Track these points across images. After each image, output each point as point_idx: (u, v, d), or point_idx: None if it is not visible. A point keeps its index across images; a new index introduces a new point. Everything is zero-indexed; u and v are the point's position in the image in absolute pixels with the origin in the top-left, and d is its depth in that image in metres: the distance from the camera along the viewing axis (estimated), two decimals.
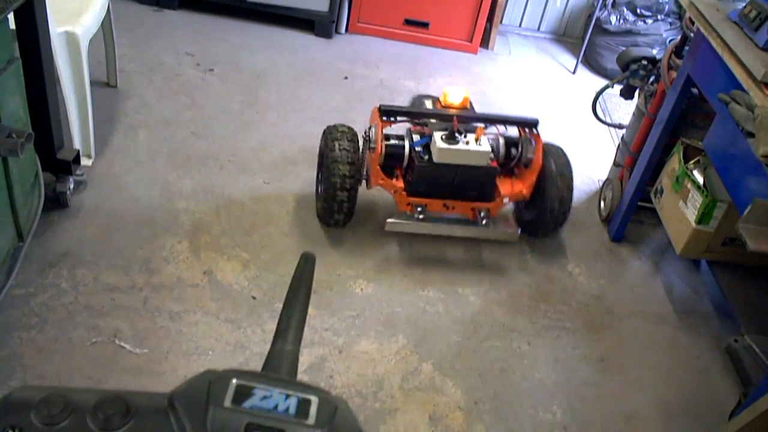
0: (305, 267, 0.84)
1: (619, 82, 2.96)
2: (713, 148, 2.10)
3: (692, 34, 2.47)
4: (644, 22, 4.27)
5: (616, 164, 3.10)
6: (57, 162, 2.38)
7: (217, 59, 3.71)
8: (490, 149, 2.44)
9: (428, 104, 2.66)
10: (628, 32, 4.27)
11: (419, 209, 2.47)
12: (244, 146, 3.04)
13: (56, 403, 0.50)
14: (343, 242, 2.60)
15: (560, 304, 2.52)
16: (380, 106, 2.51)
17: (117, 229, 2.44)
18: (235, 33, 4.06)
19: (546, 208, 2.54)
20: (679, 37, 2.71)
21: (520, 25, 4.96)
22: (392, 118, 2.52)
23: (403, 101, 3.68)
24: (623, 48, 3.59)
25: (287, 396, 0.53)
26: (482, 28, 4.34)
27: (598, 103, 3.15)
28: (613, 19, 4.32)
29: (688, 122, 2.64)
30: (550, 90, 4.21)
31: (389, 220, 2.44)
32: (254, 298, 2.29)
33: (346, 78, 3.81)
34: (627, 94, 2.97)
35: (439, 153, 2.40)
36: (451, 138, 2.41)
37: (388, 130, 2.52)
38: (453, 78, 4.07)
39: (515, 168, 2.63)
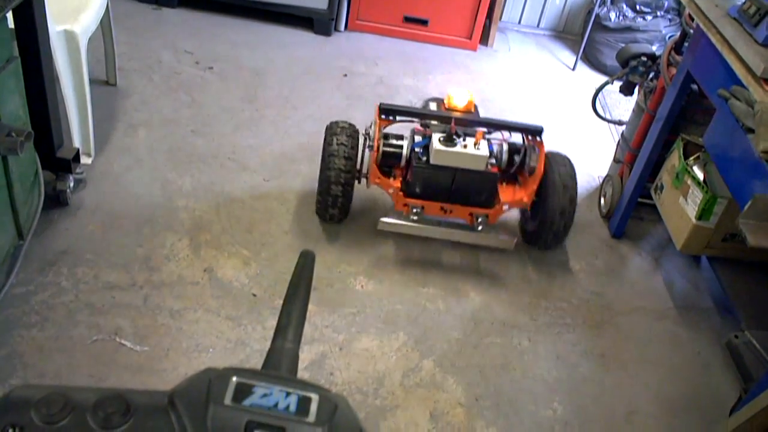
0: (305, 264, 0.84)
1: (618, 79, 2.95)
2: (713, 144, 2.10)
3: (692, 31, 2.47)
4: (644, 18, 4.27)
5: (616, 161, 3.10)
6: (57, 160, 2.38)
7: (216, 57, 3.70)
8: (488, 154, 2.40)
9: (433, 106, 2.62)
10: (628, 29, 4.26)
11: (415, 210, 2.45)
12: (244, 144, 3.03)
13: (56, 402, 0.50)
14: (344, 240, 2.60)
15: (560, 301, 2.52)
16: (380, 104, 2.51)
17: (117, 227, 2.44)
18: (235, 31, 4.06)
19: (546, 220, 2.49)
20: (678, 34, 2.71)
21: (519, 22, 4.95)
22: (391, 117, 2.51)
23: (402, 98, 3.68)
24: (623, 44, 3.58)
25: (287, 394, 0.53)
26: (481, 25, 4.34)
27: (597, 99, 3.14)
28: (613, 15, 4.31)
29: (687, 118, 2.64)
30: (549, 87, 4.21)
31: (382, 219, 2.43)
32: (254, 295, 2.29)
33: (345, 75, 3.81)
34: (627, 90, 2.97)
35: (436, 155, 2.38)
36: (449, 140, 2.39)
37: (389, 130, 2.52)
38: (452, 75, 4.07)
39: (519, 175, 2.59)
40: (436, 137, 2.41)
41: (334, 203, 2.44)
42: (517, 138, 2.59)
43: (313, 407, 0.53)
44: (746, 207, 1.71)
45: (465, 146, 2.39)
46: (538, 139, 2.52)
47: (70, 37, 2.40)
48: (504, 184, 2.58)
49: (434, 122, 2.50)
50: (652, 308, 2.58)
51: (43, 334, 2.01)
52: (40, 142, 2.21)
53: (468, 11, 4.30)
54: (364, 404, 2.01)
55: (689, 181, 2.37)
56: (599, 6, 4.32)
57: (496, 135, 2.58)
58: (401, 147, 2.47)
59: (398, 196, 2.47)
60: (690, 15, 2.44)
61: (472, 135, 2.43)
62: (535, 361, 2.27)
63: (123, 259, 2.32)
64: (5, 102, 1.82)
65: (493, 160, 2.48)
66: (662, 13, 4.27)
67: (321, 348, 2.15)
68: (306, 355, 2.12)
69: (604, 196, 3.02)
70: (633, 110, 3.01)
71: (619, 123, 3.31)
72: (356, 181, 2.52)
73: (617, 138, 3.23)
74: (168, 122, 3.08)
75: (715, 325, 2.55)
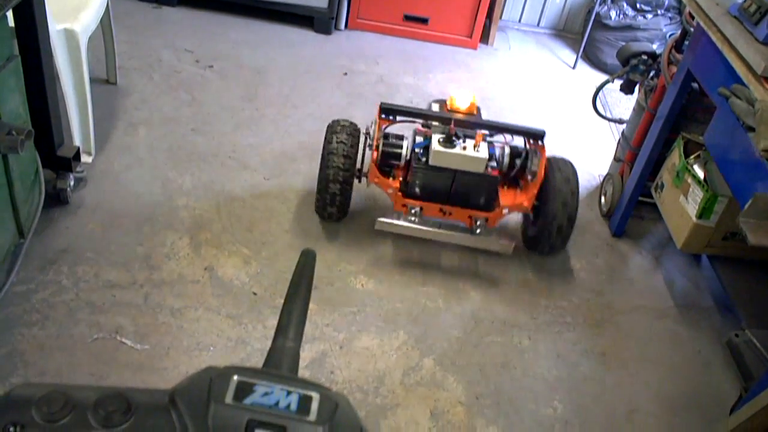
0: (306, 263, 0.84)
1: (619, 77, 2.95)
2: (714, 142, 2.10)
3: (692, 29, 2.46)
4: (644, 17, 4.27)
5: (616, 159, 3.10)
6: (57, 159, 2.38)
7: (216, 56, 3.70)
8: (487, 156, 2.37)
9: (436, 108, 2.60)
10: (628, 27, 4.26)
11: (413, 211, 2.44)
12: (244, 142, 3.03)
13: (57, 400, 0.50)
14: (344, 238, 2.60)
15: (561, 299, 2.52)
16: (381, 104, 2.50)
17: (117, 226, 2.45)
18: (235, 29, 4.05)
19: (547, 225, 2.45)
20: (679, 32, 2.71)
21: (519, 21, 4.95)
22: (392, 117, 2.50)
23: (403, 97, 3.68)
24: (623, 43, 3.59)
25: (288, 392, 0.53)
26: (482, 24, 4.34)
27: (598, 98, 3.14)
28: (613, 14, 4.31)
29: (688, 117, 2.64)
30: (550, 85, 4.20)
31: (380, 219, 2.40)
32: (255, 294, 2.29)
33: (345, 74, 3.81)
34: (627, 89, 2.97)
35: (435, 156, 2.37)
36: (448, 141, 2.37)
37: (391, 130, 2.52)
38: (453, 74, 4.07)
39: (520, 180, 2.56)
40: (435, 138, 2.40)
41: (332, 201, 2.44)
42: (519, 141, 2.57)
43: (314, 406, 0.53)
44: (747, 206, 1.71)
45: (464, 148, 2.37)
46: (539, 143, 2.49)
47: (70, 35, 2.40)
48: (505, 187, 2.55)
49: (435, 123, 2.49)
50: (652, 307, 2.58)
51: (44, 332, 2.01)
52: (40, 141, 2.21)
53: (468, 10, 4.30)
54: (364, 403, 2.01)
55: (690, 180, 2.37)
56: (599, 4, 4.32)
57: (499, 138, 2.56)
58: (401, 147, 2.46)
59: (397, 196, 2.46)
60: (690, 13, 2.44)
61: (473, 137, 2.42)
62: (536, 359, 2.27)
63: (123, 258, 2.32)
64: (6, 100, 1.82)
65: (494, 163, 2.45)
66: (663, 11, 4.27)
67: (322, 346, 2.16)
68: (307, 353, 2.12)
69: (605, 195, 3.02)
70: (633, 109, 3.01)
71: (620, 121, 3.31)
72: (357, 180, 2.51)
73: (618, 137, 3.23)
74: (168, 121, 3.08)
75: (716, 324, 2.55)
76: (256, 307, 2.24)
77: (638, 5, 4.30)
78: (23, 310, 2.06)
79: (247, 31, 4.06)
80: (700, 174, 2.35)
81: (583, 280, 2.64)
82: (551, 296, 2.53)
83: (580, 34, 4.65)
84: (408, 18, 4.34)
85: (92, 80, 2.73)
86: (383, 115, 2.50)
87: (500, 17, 4.61)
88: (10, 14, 1.88)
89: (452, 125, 2.41)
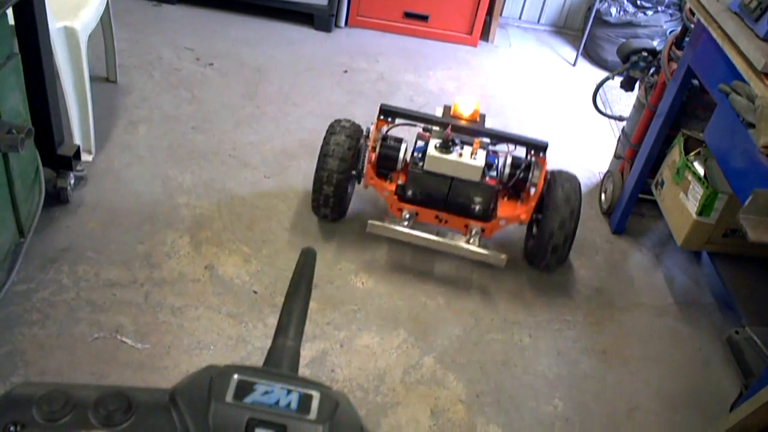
0: (306, 262, 0.84)
1: (619, 74, 2.95)
2: (714, 139, 2.10)
3: (692, 25, 2.46)
4: (644, 13, 4.26)
5: (616, 156, 3.10)
6: (57, 158, 2.38)
7: (216, 53, 3.70)
8: (483, 165, 2.32)
9: (439, 112, 2.54)
10: (629, 24, 4.25)
11: (407, 216, 2.40)
12: (245, 140, 3.03)
13: (57, 399, 0.50)
14: (345, 237, 2.60)
15: (561, 297, 2.52)
16: (381, 105, 2.48)
17: (118, 225, 2.45)
18: (235, 27, 4.05)
19: (544, 239, 2.37)
20: (679, 29, 2.71)
21: (520, 18, 4.94)
22: (390, 119, 2.47)
23: (403, 95, 3.68)
24: (623, 40, 3.58)
25: (289, 391, 0.53)
26: (482, 21, 4.33)
27: (598, 95, 3.14)
28: (613, 10, 4.30)
29: (688, 114, 2.64)
30: (550, 82, 4.20)
31: (371, 221, 2.36)
32: (255, 292, 2.29)
33: (345, 72, 3.81)
34: (627, 85, 2.96)
35: (430, 161, 2.34)
36: (445, 147, 2.34)
37: (393, 132, 2.50)
38: (453, 71, 4.07)
39: (522, 191, 2.51)
40: (432, 143, 2.37)
41: (326, 203, 2.43)
42: (523, 151, 2.50)
43: (315, 405, 0.53)
44: (747, 202, 1.71)
45: (461, 155, 2.34)
46: (541, 154, 2.43)
47: (70, 33, 2.40)
48: (506, 198, 2.51)
49: (436, 128, 2.45)
50: (652, 304, 2.58)
51: (45, 331, 2.01)
52: (40, 140, 2.21)
53: (468, 7, 4.29)
54: (365, 401, 2.01)
55: (690, 177, 2.37)
56: (600, 1, 4.31)
57: (502, 147, 2.49)
58: (399, 150, 2.44)
59: (393, 199, 2.43)
60: (691, 10, 2.44)
61: (472, 144, 2.38)
62: (536, 357, 2.27)
63: (124, 257, 2.32)
64: (6, 99, 1.82)
65: (494, 173, 2.41)
66: (663, 8, 4.27)
67: (322, 345, 2.16)
68: (307, 352, 2.12)
69: (605, 192, 3.02)
70: (634, 106, 3.01)
71: (620, 119, 3.31)
72: (357, 182, 2.50)
73: (618, 134, 3.23)
74: (168, 119, 3.08)
75: (716, 321, 2.55)
76: (257, 305, 2.25)
77: (638, 2, 4.29)
78: (24, 309, 2.06)
79: (247, 29, 4.05)
80: (701, 171, 2.34)
81: (584, 277, 2.64)
82: (551, 294, 2.53)
83: (581, 31, 4.65)
84: (408, 15, 4.34)
85: (92, 78, 2.73)
86: (382, 117, 2.47)
87: (500, 14, 4.61)
88: (10, 12, 1.88)
89: (448, 130, 2.37)
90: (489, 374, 2.17)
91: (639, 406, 2.18)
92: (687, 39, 2.59)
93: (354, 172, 2.47)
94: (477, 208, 2.39)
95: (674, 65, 2.58)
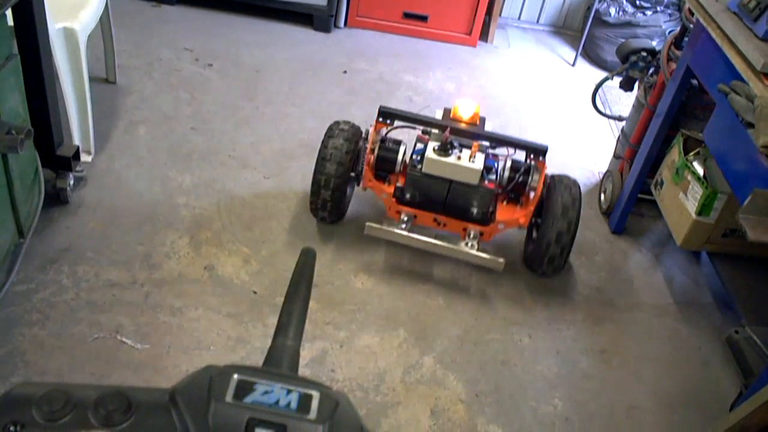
0: (306, 262, 0.84)
1: (618, 74, 2.95)
2: (713, 139, 2.10)
3: (691, 25, 2.46)
4: (643, 13, 4.26)
5: (616, 156, 3.10)
6: (57, 158, 2.38)
7: (216, 54, 3.70)
8: (481, 168, 2.30)
9: (439, 115, 2.52)
10: (628, 24, 4.26)
11: (405, 218, 2.39)
12: (244, 141, 3.03)
13: (57, 399, 0.50)
14: (345, 237, 2.60)
15: (561, 297, 2.52)
16: (380, 107, 2.47)
17: (117, 225, 2.45)
18: (234, 28, 4.05)
19: (543, 244, 2.35)
20: (678, 29, 2.71)
21: (519, 18, 4.95)
22: (389, 121, 2.46)
23: (402, 95, 3.68)
24: (622, 40, 3.58)
25: (288, 391, 0.53)
26: (481, 21, 4.33)
27: (597, 95, 3.14)
28: (613, 11, 4.30)
29: (687, 114, 2.64)
30: (549, 83, 4.20)
31: (369, 223, 2.35)
32: (255, 292, 2.29)
33: (345, 72, 3.81)
34: (626, 86, 2.97)
35: (428, 163, 2.32)
36: (443, 150, 2.33)
37: (393, 134, 2.49)
38: (453, 72, 4.07)
39: (522, 195, 2.49)
40: (431, 146, 2.35)
41: (324, 206, 2.43)
42: (524, 155, 2.48)
43: (314, 404, 0.53)
44: (746, 202, 1.71)
45: (459, 158, 2.32)
46: (540, 159, 2.41)
47: (69, 34, 2.40)
48: (505, 202, 2.49)
49: (435, 131, 2.43)
50: (652, 304, 2.58)
51: (45, 331, 2.01)
52: (40, 140, 2.21)
53: (467, 7, 4.29)
54: (365, 401, 2.01)
55: (689, 177, 2.37)
56: (599, 1, 4.31)
57: (503, 150, 2.47)
58: (397, 152, 2.43)
59: (391, 202, 2.43)
60: (690, 10, 2.44)
61: (470, 147, 2.37)
62: (536, 357, 2.27)
63: (124, 257, 2.32)
64: (5, 99, 1.82)
65: (493, 176, 2.39)
66: (662, 8, 4.27)
67: (322, 345, 2.16)
68: (307, 352, 2.12)
69: (604, 192, 3.02)
70: (633, 106, 3.01)
71: (619, 119, 3.30)
72: (356, 183, 2.49)
73: (617, 134, 3.23)
74: (168, 119, 3.08)
75: (716, 321, 2.55)
76: (256, 305, 2.25)
77: (638, 2, 4.30)
78: (24, 309, 2.06)
79: (247, 30, 4.05)
80: (700, 171, 2.35)
81: (583, 277, 2.64)
82: (551, 294, 2.53)
83: (580, 31, 4.65)
84: (407, 16, 4.34)
85: (92, 79, 2.73)
86: (381, 119, 2.46)
87: (500, 14, 4.61)
88: (9, 13, 1.88)
89: (446, 133, 2.36)
90: (489, 374, 2.17)
91: (638, 406, 2.18)
92: (686, 39, 2.59)
93: (353, 174, 2.47)
94: (475, 211, 2.38)
95: (673, 65, 2.58)
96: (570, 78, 4.32)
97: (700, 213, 2.31)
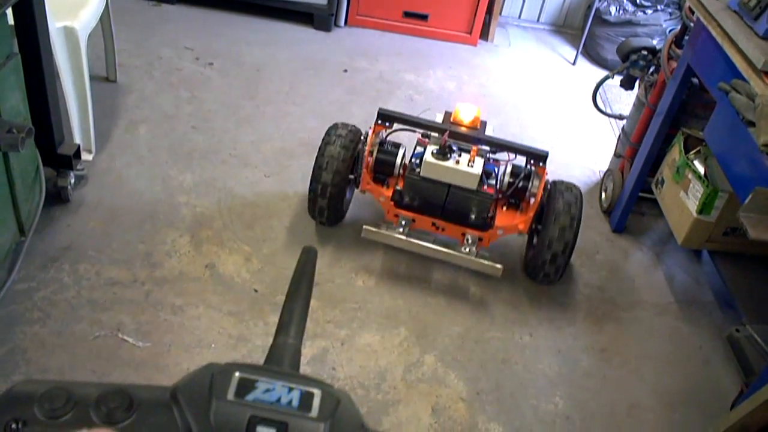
0: (307, 260, 0.84)
1: (619, 73, 2.95)
2: (714, 137, 2.10)
3: (692, 24, 2.46)
4: (644, 12, 4.26)
5: (616, 155, 3.10)
6: (58, 157, 2.38)
7: (216, 53, 3.70)
8: (480, 172, 2.28)
9: (439, 118, 2.50)
10: (628, 23, 4.25)
11: (403, 222, 2.38)
12: (245, 140, 3.03)
13: (59, 397, 0.50)
14: (345, 236, 2.60)
15: (561, 296, 2.52)
16: (379, 109, 2.45)
17: (118, 224, 2.45)
18: (234, 27, 4.05)
19: (542, 250, 2.31)
20: (679, 27, 2.70)
21: (519, 17, 4.94)
22: (387, 124, 2.45)
23: (403, 94, 3.68)
24: (623, 38, 3.58)
25: (290, 389, 0.53)
26: (481, 20, 4.33)
27: (598, 94, 3.14)
28: (613, 9, 4.30)
29: (688, 112, 2.64)
30: (550, 82, 4.20)
31: (366, 226, 2.33)
32: (256, 291, 2.30)
33: (345, 71, 3.81)
34: (627, 84, 2.97)
35: (426, 167, 2.30)
36: (441, 154, 2.31)
37: (392, 137, 2.48)
38: (453, 71, 4.06)
39: (522, 201, 2.46)
40: (429, 149, 2.33)
41: (321, 213, 2.42)
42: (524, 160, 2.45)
43: (316, 402, 0.53)
44: (747, 200, 1.71)
45: (458, 162, 2.30)
46: (541, 164, 2.38)
47: (69, 33, 2.40)
48: (505, 208, 2.47)
49: (435, 134, 2.41)
50: (653, 303, 2.58)
51: (46, 330, 2.02)
52: (40, 139, 2.21)
53: (468, 6, 4.29)
54: (366, 399, 2.01)
55: (690, 175, 2.37)
56: (599, 0, 4.31)
57: (503, 155, 2.45)
58: (396, 155, 2.41)
59: (389, 205, 2.41)
60: (690, 8, 2.44)
61: (470, 152, 2.35)
62: (537, 355, 2.27)
63: (125, 256, 2.32)
64: (6, 98, 1.82)
65: (493, 181, 2.37)
66: (662, 6, 4.27)
67: (323, 343, 2.16)
68: (308, 350, 2.12)
69: (605, 191, 3.02)
70: (633, 104, 3.01)
71: (620, 117, 3.30)
72: (356, 186, 2.49)
73: (618, 132, 3.23)
74: (169, 118, 3.08)
75: (716, 320, 2.55)
76: (257, 304, 2.25)
77: (638, 1, 4.29)
78: (25, 308, 2.07)
79: (247, 29, 4.05)
80: (701, 169, 2.35)
81: (584, 276, 2.64)
82: (552, 292, 2.53)
83: (580, 29, 4.64)
84: (408, 14, 4.34)
85: (92, 78, 2.73)
86: (379, 121, 2.44)
87: (500, 13, 4.60)
88: (9, 12, 1.88)
89: (444, 136, 2.34)
90: (490, 372, 2.18)
91: (639, 404, 2.18)
92: (686, 37, 2.59)
93: (353, 176, 2.46)
94: (474, 216, 2.36)
95: (674, 64, 2.58)
96: (570, 77, 4.32)
97: (701, 211, 2.31)
